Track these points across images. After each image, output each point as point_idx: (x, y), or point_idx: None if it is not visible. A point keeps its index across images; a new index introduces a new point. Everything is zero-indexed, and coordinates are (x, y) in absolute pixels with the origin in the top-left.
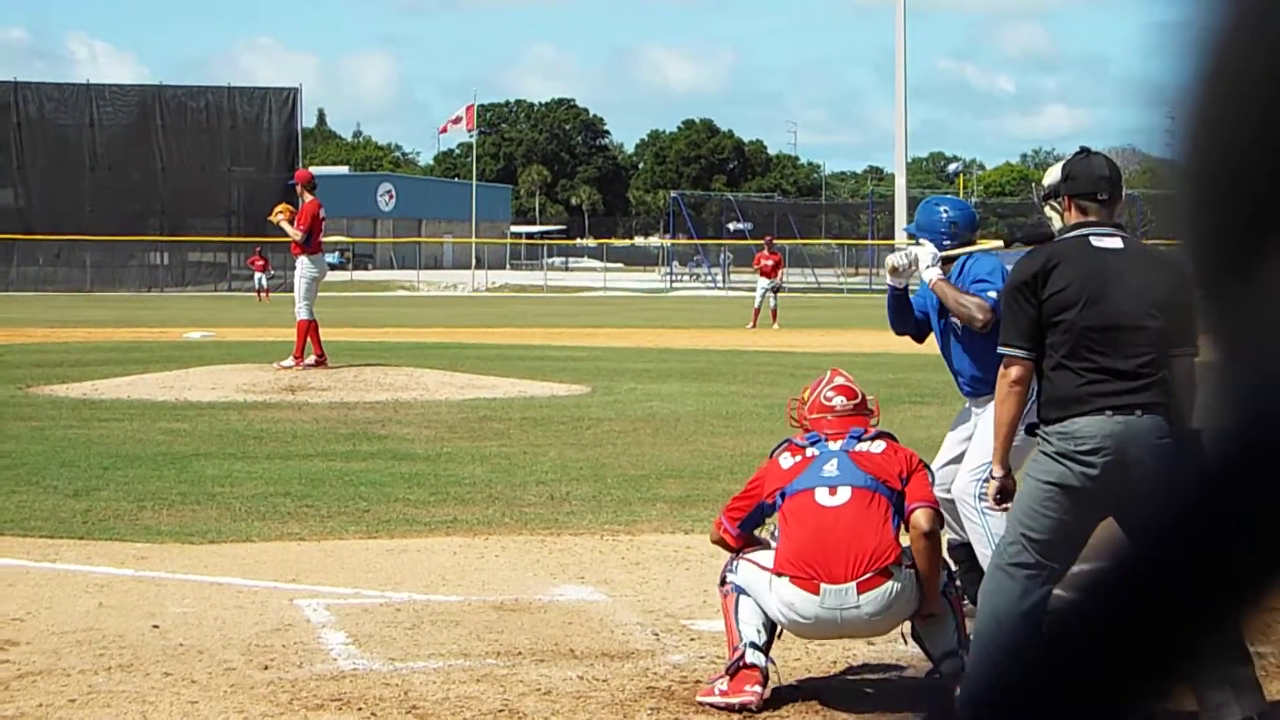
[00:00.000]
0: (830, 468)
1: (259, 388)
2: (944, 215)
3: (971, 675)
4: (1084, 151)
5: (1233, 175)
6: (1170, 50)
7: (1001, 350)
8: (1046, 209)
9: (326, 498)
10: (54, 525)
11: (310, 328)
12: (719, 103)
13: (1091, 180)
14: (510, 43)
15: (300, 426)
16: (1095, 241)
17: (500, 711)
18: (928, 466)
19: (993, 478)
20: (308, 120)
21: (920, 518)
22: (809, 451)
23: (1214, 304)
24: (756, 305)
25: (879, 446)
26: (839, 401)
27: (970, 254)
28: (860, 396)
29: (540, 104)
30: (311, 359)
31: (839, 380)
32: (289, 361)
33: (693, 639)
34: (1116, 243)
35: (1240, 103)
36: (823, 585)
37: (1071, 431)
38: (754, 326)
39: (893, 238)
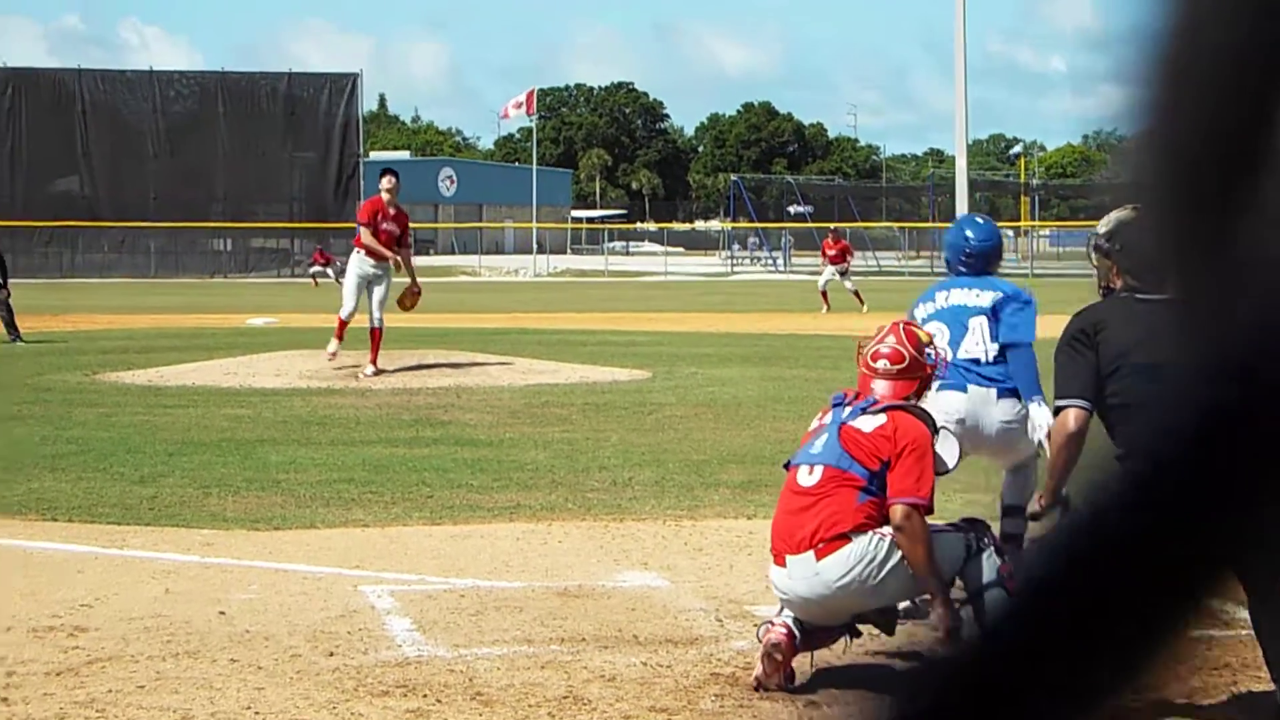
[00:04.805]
0: (819, 444)
1: (323, 374)
2: (969, 238)
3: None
4: None
5: (1201, 133)
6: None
7: (1059, 403)
8: (1095, 256)
9: (390, 484)
10: (121, 512)
11: (378, 334)
12: (776, 86)
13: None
14: (561, 26)
15: (364, 413)
16: (1141, 297)
17: (565, 698)
18: (937, 433)
19: (1043, 506)
20: (369, 104)
21: (894, 513)
22: (826, 419)
23: (1183, 269)
24: (821, 288)
25: (874, 423)
26: (881, 365)
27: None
28: (907, 360)
29: (600, 88)
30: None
31: (890, 340)
32: (369, 370)
33: (756, 625)
34: (1163, 297)
35: (1210, 52)
36: (787, 557)
37: None
38: (828, 310)
39: (953, 220)
